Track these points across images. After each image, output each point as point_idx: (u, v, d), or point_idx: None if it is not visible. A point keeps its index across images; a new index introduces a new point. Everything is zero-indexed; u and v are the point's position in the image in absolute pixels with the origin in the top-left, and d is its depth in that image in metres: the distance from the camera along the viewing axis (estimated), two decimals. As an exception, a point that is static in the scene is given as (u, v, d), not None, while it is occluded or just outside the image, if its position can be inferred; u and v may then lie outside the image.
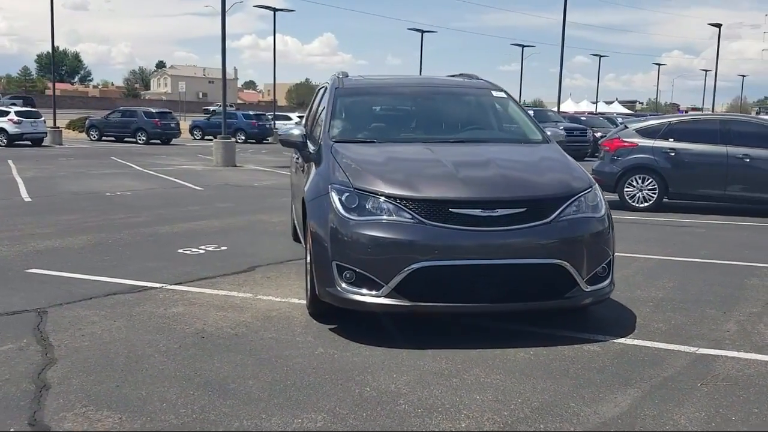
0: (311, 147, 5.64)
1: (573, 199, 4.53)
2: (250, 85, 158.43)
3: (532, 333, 4.64)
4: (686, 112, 68.47)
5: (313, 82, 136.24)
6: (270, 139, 36.06)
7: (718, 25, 45.41)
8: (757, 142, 10.79)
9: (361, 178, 4.57)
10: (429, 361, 4.12)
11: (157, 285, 5.88)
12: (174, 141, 33.60)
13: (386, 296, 4.30)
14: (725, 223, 10.23)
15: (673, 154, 11.04)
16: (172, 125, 33.60)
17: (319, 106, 7.26)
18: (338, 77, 6.33)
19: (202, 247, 7.60)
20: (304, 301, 5.32)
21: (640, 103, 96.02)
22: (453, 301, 4.34)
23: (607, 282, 4.63)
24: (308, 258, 5.11)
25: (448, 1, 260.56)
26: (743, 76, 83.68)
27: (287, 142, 5.83)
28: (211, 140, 36.83)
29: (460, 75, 6.92)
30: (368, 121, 5.93)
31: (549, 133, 5.71)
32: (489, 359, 4.16)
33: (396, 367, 4.02)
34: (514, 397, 3.60)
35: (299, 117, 41.69)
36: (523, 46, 52.70)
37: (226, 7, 21.18)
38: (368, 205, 4.42)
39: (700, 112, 46.88)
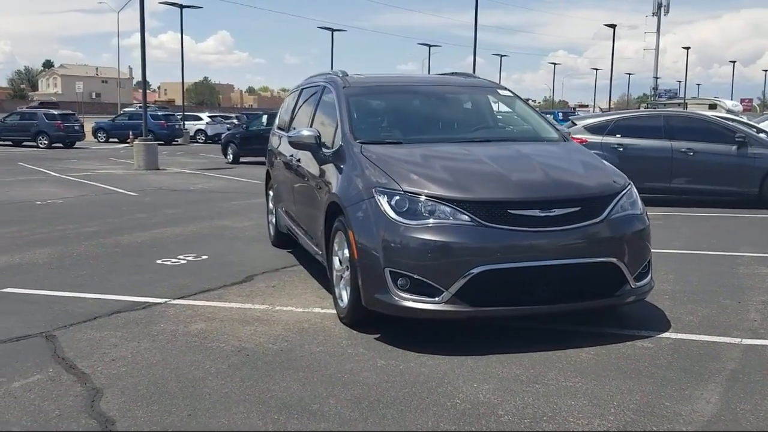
0: (325, 149, 5.41)
1: (619, 196, 4.55)
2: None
3: (579, 332, 4.62)
4: (575, 109, 71.38)
5: (212, 81, 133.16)
6: (180, 140, 34.82)
7: (613, 26, 47.69)
8: (698, 136, 11.34)
9: (410, 181, 4.41)
10: (498, 366, 4.01)
11: (159, 300, 5.48)
12: (78, 144, 31.86)
13: (447, 302, 4.16)
14: (676, 214, 10.66)
15: (621, 149, 11.42)
16: (76, 128, 31.83)
17: (299, 105, 7.03)
18: (339, 76, 6.10)
19: (180, 257, 7.18)
20: (330, 311, 5.10)
21: (533, 101, 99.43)
22: (513, 305, 4.26)
23: (648, 278, 4.67)
24: (336, 264, 4.92)
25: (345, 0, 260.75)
26: (629, 74, 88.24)
27: (299, 144, 5.56)
28: (116, 142, 35.45)
29: (453, 74, 6.84)
30: (387, 121, 5.75)
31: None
32: (555, 361, 4.10)
33: (469, 375, 3.89)
34: (608, 401, 3.55)
35: (210, 117, 40.51)
36: (430, 46, 53.50)
37: (122, 3, 20.19)
38: (422, 209, 4.26)
39: (607, 110, 48.89)
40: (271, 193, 7.81)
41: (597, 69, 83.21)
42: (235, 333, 4.66)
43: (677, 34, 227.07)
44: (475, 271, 4.11)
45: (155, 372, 3.95)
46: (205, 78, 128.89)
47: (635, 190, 4.82)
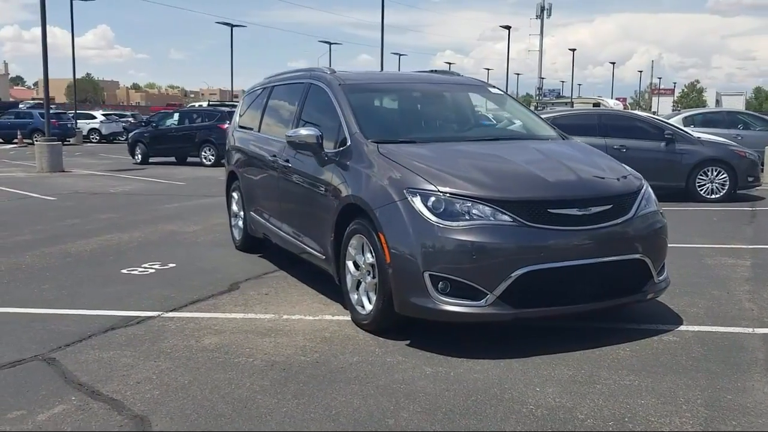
0: (327, 149, 5.19)
1: (641, 194, 4.61)
2: (18, 80, 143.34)
3: (604, 329, 4.63)
4: None
5: (95, 77, 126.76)
6: (72, 140, 32.87)
7: (508, 27, 49.22)
8: (630, 133, 11.84)
9: (444, 181, 4.28)
10: (547, 368, 3.97)
11: (151, 313, 5.08)
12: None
13: (491, 305, 4.07)
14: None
15: (558, 146, 11.74)
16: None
17: (272, 103, 6.76)
18: (328, 72, 5.88)
19: (145, 265, 6.71)
20: (341, 317, 4.91)
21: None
22: (555, 305, 4.22)
23: (665, 274, 4.77)
24: (350, 268, 4.76)
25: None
26: (518, 74, 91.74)
27: (299, 144, 5.30)
28: (0, 143, 32.89)
29: (433, 71, 6.76)
30: (393, 120, 5.58)
31: None
32: (598, 360, 4.10)
33: (525, 378, 3.82)
34: (674, 397, 3.57)
35: (104, 115, 38.53)
36: (330, 43, 53.29)
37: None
38: (460, 210, 4.14)
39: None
40: (235, 195, 7.44)
41: (489, 69, 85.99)
42: (255, 346, 4.37)
43: (555, 36, 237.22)
44: (520, 272, 4.04)
45: (194, 393, 3.64)
46: (88, 74, 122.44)
47: (650, 187, 4.91)
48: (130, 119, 37.57)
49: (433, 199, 4.20)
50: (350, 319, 4.86)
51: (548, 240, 4.12)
